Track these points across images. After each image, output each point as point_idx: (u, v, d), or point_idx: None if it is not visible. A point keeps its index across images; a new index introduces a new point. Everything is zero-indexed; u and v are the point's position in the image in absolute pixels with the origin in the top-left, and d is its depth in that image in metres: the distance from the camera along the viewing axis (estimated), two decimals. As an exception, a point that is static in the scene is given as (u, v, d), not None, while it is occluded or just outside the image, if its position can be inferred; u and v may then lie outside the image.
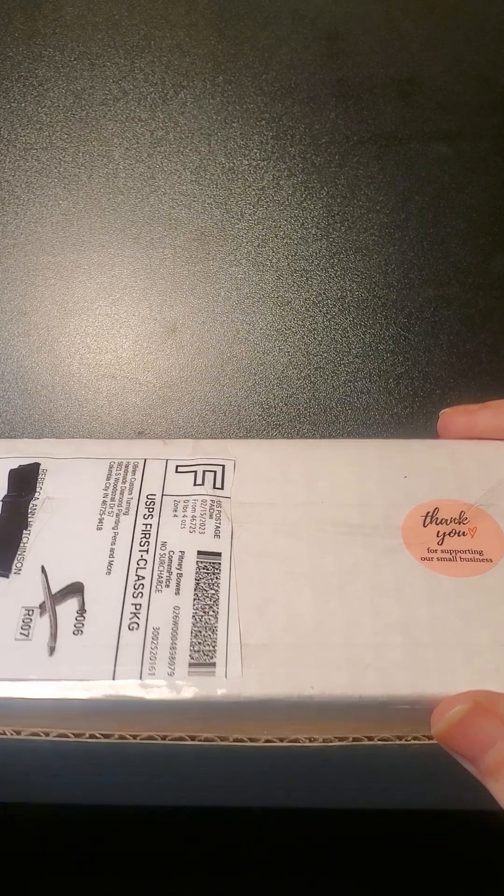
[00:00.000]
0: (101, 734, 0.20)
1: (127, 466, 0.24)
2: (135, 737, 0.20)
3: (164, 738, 0.20)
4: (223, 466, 0.24)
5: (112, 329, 0.37)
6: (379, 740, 0.20)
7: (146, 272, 0.38)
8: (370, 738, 0.20)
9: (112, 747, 0.20)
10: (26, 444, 0.25)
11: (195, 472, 0.24)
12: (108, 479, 0.24)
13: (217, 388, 0.36)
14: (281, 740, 0.20)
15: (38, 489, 0.24)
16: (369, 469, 0.24)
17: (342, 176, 0.40)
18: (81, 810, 0.25)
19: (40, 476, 0.24)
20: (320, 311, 0.37)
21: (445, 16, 0.42)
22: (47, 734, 0.20)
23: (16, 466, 0.24)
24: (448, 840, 0.26)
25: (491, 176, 0.40)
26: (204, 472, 0.24)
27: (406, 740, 0.20)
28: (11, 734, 0.20)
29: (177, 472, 0.24)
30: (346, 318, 0.37)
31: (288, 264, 0.38)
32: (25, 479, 0.24)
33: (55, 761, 0.21)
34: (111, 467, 0.24)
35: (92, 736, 0.20)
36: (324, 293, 0.38)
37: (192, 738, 0.20)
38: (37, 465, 0.24)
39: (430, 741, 0.19)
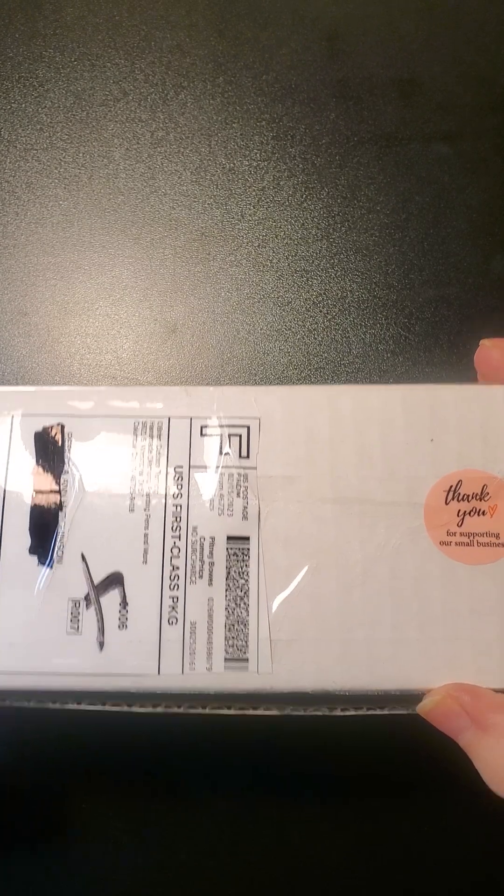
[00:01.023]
0: (151, 704, 0.23)
1: (152, 427, 0.24)
2: (179, 706, 0.23)
3: (204, 707, 0.23)
4: (248, 428, 0.24)
5: (112, 330, 0.37)
6: (389, 710, 0.23)
7: (146, 273, 0.38)
8: (381, 707, 0.23)
9: (157, 717, 0.23)
10: (43, 395, 0.24)
11: (220, 435, 0.24)
12: (133, 445, 0.23)
13: (217, 388, 0.36)
14: (305, 709, 0.23)
15: (65, 459, 0.23)
16: (395, 429, 0.24)
17: (342, 176, 0.40)
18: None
19: (66, 441, 0.23)
20: (321, 311, 0.37)
21: (445, 16, 0.42)
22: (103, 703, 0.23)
23: (39, 429, 0.23)
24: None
25: (491, 176, 0.40)
26: (229, 435, 0.24)
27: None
28: (62, 705, 0.23)
29: (202, 434, 0.24)
30: (347, 319, 0.37)
31: (288, 265, 0.38)
32: (53, 446, 0.23)
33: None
34: (136, 428, 0.24)
35: (142, 705, 0.23)
36: (324, 293, 0.38)
37: (229, 707, 0.23)
38: (61, 426, 0.24)
39: None
